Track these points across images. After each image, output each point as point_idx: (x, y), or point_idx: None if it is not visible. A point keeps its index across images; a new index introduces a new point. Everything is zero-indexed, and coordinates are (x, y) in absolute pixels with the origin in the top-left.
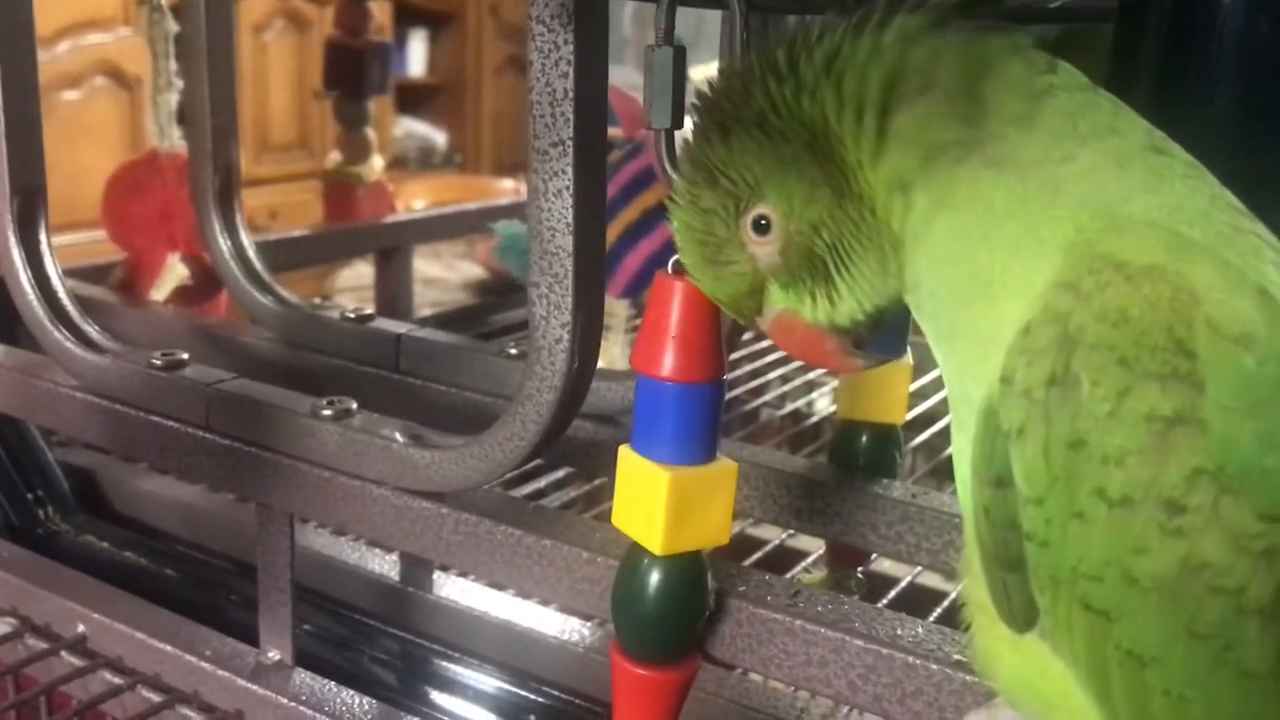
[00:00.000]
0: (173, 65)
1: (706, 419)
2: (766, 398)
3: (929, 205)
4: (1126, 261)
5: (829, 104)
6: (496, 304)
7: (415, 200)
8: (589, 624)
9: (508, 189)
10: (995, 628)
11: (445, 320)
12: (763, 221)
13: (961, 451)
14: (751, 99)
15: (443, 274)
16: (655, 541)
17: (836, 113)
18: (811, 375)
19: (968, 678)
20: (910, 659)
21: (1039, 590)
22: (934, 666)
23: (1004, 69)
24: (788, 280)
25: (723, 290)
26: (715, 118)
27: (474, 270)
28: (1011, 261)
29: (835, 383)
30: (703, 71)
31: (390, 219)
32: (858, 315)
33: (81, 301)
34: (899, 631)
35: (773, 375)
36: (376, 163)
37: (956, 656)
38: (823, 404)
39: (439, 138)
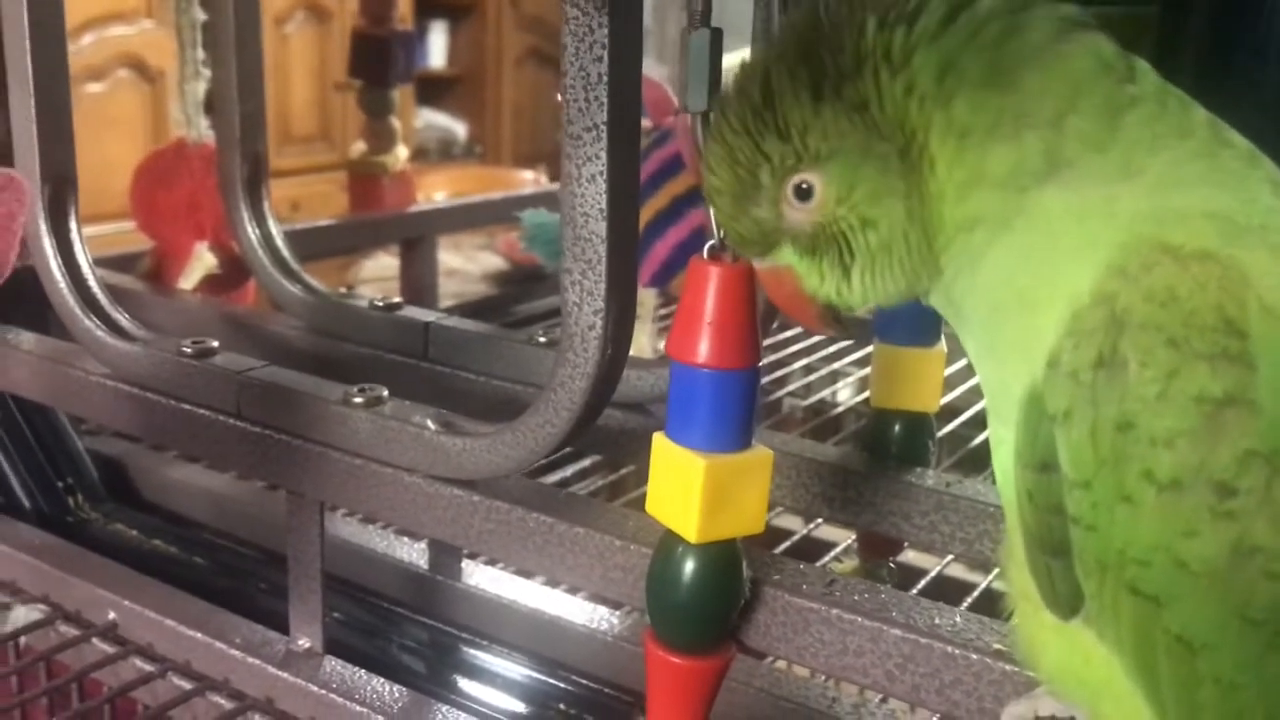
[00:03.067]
0: (200, 54)
1: (742, 406)
2: (790, 388)
3: (989, 232)
4: (1177, 246)
5: (935, 125)
6: (519, 294)
7: (435, 192)
8: (617, 612)
9: (528, 180)
10: (1039, 615)
11: (469, 310)
12: (805, 187)
13: (1001, 440)
14: (861, 78)
15: (463, 265)
16: (690, 529)
17: (941, 136)
18: (836, 366)
19: (1007, 667)
20: (949, 648)
21: (1085, 575)
22: (973, 656)
23: (1090, 91)
24: (806, 249)
25: (734, 225)
26: (812, 73)
27: (494, 261)
28: (1061, 270)
29: (859, 373)
30: (734, 58)
31: (415, 208)
32: (860, 305)
33: (110, 290)
34: (937, 620)
35: (796, 365)
36: (401, 152)
37: (996, 646)
38: (846, 394)
39: (459, 129)
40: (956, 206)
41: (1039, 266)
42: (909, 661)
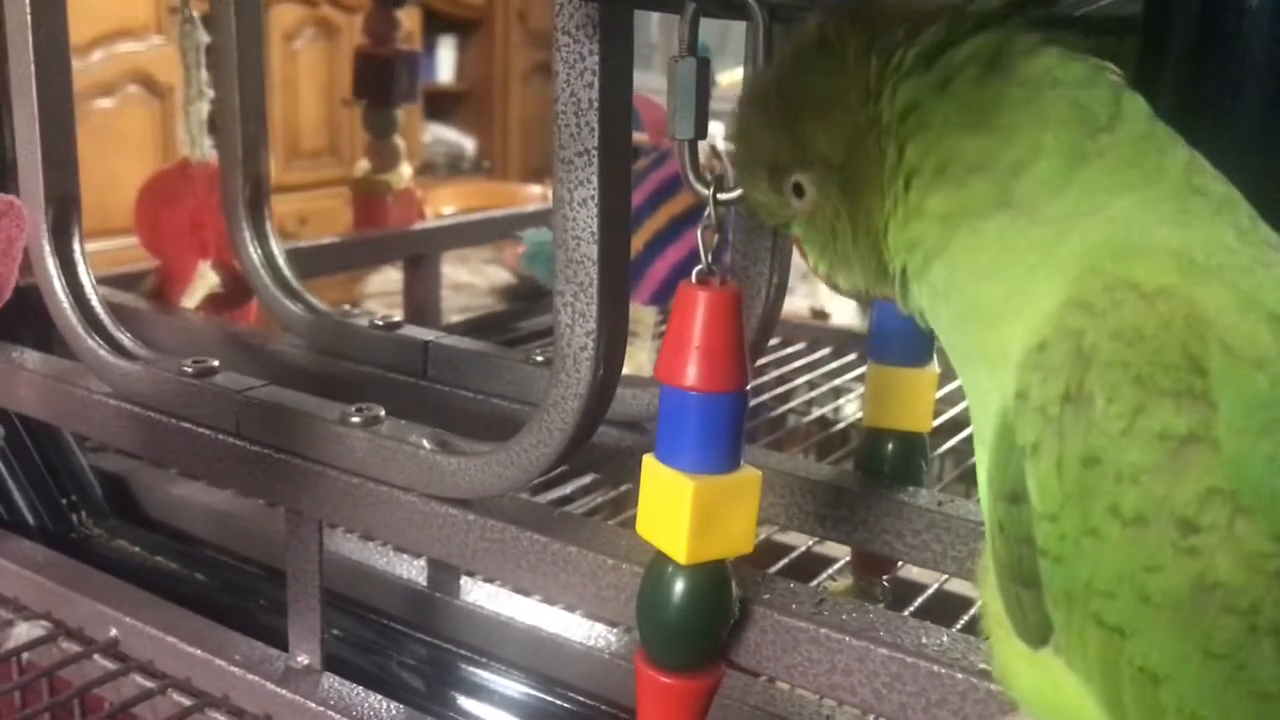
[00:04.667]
0: (204, 75)
1: (730, 428)
2: (793, 404)
3: (927, 254)
4: (1139, 282)
5: (889, 151)
6: (524, 310)
7: (444, 206)
8: (615, 630)
9: (535, 195)
10: (1011, 641)
11: (473, 326)
12: (799, 185)
13: (982, 462)
14: (844, 99)
15: (470, 279)
16: (680, 550)
17: (891, 171)
18: (838, 381)
19: (992, 687)
20: (935, 667)
21: (1053, 606)
22: (959, 675)
23: (1055, 142)
24: (806, 230)
25: (754, 196)
26: (807, 87)
27: (502, 275)
28: (1017, 289)
29: (861, 390)
30: (730, 78)
31: (419, 226)
32: (846, 289)
33: (114, 309)
34: (924, 640)
35: (799, 381)
36: (405, 170)
37: (981, 665)
38: (849, 409)
39: (467, 144)
40: (899, 231)
41: (989, 286)
42: (896, 680)
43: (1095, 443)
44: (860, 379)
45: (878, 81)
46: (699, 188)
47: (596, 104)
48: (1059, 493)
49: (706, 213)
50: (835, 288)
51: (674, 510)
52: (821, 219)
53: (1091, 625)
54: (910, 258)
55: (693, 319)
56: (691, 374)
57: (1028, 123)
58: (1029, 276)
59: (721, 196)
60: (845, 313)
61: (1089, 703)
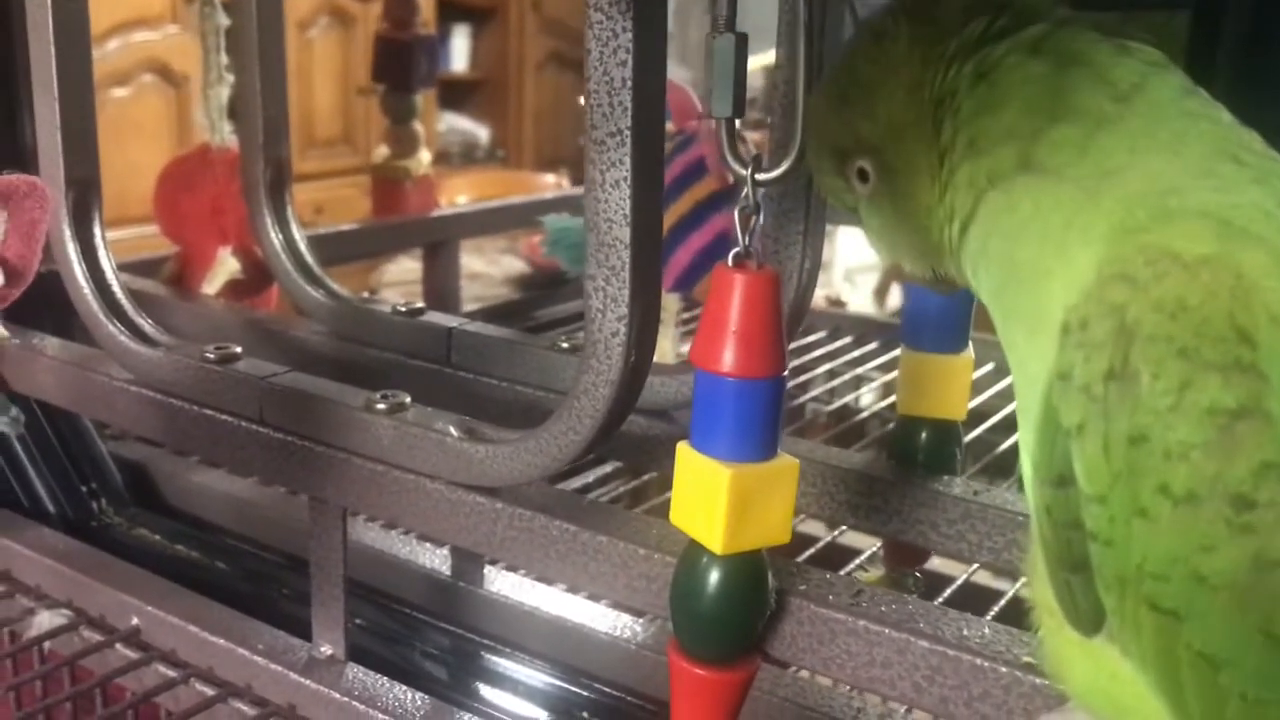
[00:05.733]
0: (223, 59)
1: (768, 415)
2: (814, 393)
3: (964, 220)
4: (1180, 251)
5: (932, 136)
6: (541, 298)
7: (458, 195)
8: (641, 620)
9: (550, 184)
10: (1063, 631)
11: (492, 314)
12: (863, 170)
13: (1027, 446)
14: (892, 85)
15: (486, 269)
16: (715, 540)
17: (935, 147)
18: (859, 370)
19: (1037, 680)
20: (978, 660)
21: (1105, 591)
22: (1003, 669)
23: (1073, 108)
24: (870, 218)
25: (823, 181)
26: (870, 74)
27: (516, 264)
28: (1050, 247)
29: (883, 378)
30: (760, 60)
31: (438, 213)
32: (920, 277)
33: (134, 295)
34: (965, 632)
35: (819, 370)
36: (424, 157)
37: (1026, 658)
38: (869, 399)
39: (481, 133)
40: (937, 206)
41: (1023, 248)
42: (937, 674)
43: (1142, 420)
44: (881, 368)
45: (924, 71)
46: (737, 168)
47: (630, 82)
48: (1107, 473)
49: (744, 193)
50: (902, 274)
51: (709, 499)
52: (882, 203)
53: (1145, 610)
54: (950, 229)
55: (730, 302)
56: (728, 359)
57: (1047, 96)
58: (1061, 234)
59: (760, 177)
60: (862, 301)
61: (1146, 691)
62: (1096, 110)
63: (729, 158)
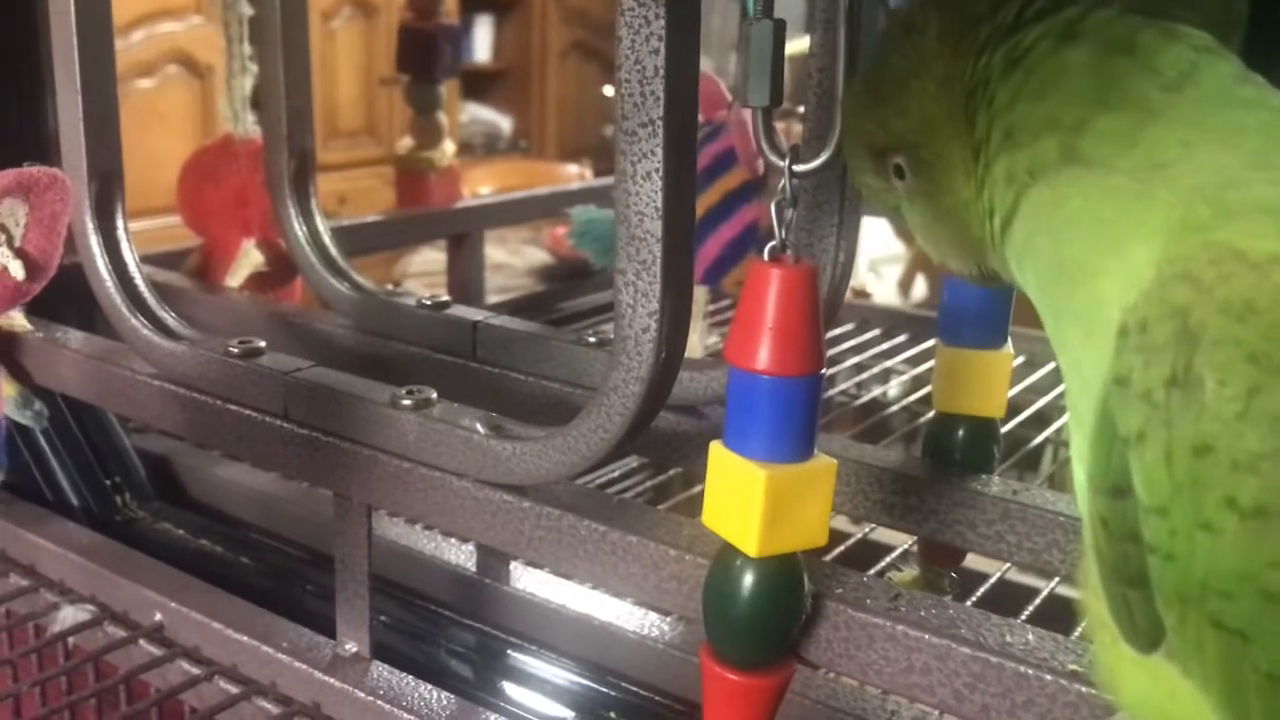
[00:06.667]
0: (247, 50)
1: (805, 414)
2: (842, 387)
3: (1006, 214)
4: (1245, 250)
5: (966, 129)
6: (565, 290)
7: (481, 186)
8: (669, 619)
9: (573, 174)
10: (1118, 646)
11: (516, 307)
12: (899, 167)
13: (1080, 454)
14: (925, 80)
15: (509, 259)
16: (750, 543)
17: (969, 140)
18: (888, 364)
19: (1084, 689)
20: (1021, 668)
21: (1164, 607)
22: (1047, 677)
23: (1118, 94)
24: (911, 216)
25: (860, 179)
26: (904, 70)
27: (540, 256)
28: (1103, 242)
29: (911, 372)
30: (794, 47)
31: (463, 204)
32: (965, 274)
33: (157, 288)
34: (1009, 639)
35: (846, 364)
36: (449, 148)
37: (1072, 666)
38: (896, 392)
39: (504, 123)
40: (976, 202)
41: (1071, 242)
42: (978, 681)
43: (1207, 429)
44: (910, 361)
45: (955, 62)
46: (775, 159)
47: (662, 71)
48: (1168, 485)
49: (781, 185)
50: (949, 271)
51: (744, 501)
52: (921, 200)
53: (1209, 628)
54: (991, 225)
55: (766, 298)
56: (764, 357)
57: (1090, 85)
58: (1114, 228)
59: (798, 168)
60: (886, 292)
61: (1207, 711)
62: (1144, 100)
63: (766, 148)
